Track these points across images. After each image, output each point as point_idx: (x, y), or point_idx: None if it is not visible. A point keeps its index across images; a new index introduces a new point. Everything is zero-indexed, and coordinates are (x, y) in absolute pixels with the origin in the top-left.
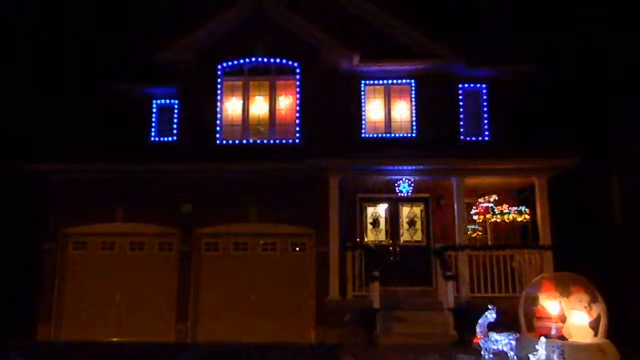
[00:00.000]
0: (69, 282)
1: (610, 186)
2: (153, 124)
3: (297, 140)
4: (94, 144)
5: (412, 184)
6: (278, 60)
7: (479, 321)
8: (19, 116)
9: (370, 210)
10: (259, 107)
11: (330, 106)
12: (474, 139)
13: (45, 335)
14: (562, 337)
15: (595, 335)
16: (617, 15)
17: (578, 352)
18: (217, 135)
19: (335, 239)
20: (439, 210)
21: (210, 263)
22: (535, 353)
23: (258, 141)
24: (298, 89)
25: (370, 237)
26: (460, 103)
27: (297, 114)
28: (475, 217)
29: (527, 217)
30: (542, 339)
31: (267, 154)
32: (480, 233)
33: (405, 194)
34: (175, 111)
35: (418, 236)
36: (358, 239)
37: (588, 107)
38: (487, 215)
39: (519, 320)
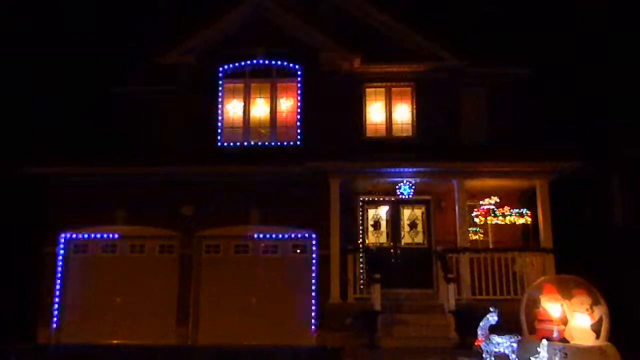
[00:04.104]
0: (69, 285)
1: (611, 188)
2: (153, 126)
3: (298, 143)
4: (94, 147)
5: (413, 186)
6: (279, 62)
7: (481, 324)
8: (20, 119)
9: (371, 212)
10: (260, 109)
11: (332, 108)
12: (475, 141)
13: (46, 338)
14: (563, 340)
15: (597, 337)
16: (616, 16)
17: (580, 354)
18: (218, 137)
19: (336, 242)
20: (440, 212)
21: (211, 265)
22: (537, 356)
23: (259, 143)
24: (299, 91)
25: (371, 239)
26: (461, 105)
27: (298, 116)
28: (476, 220)
29: (529, 219)
30: (544, 341)
31: (268, 156)
32: (481, 235)
33: (407, 196)
34: (177, 113)
35: (419, 238)
36: (359, 242)
37: (589, 109)
38: (489, 218)
39: (520, 322)
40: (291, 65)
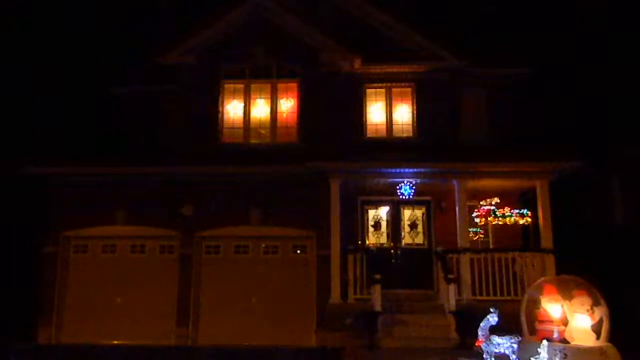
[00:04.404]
0: (70, 285)
1: (611, 188)
2: (154, 127)
3: (298, 143)
4: (94, 147)
5: (414, 187)
6: (279, 62)
7: (481, 324)
8: (20, 119)
9: (371, 212)
10: (260, 109)
11: (332, 109)
12: (475, 141)
13: (46, 338)
14: (564, 341)
15: (598, 338)
16: (616, 16)
17: (580, 355)
18: (219, 138)
19: (336, 242)
20: (441, 213)
21: (211, 266)
22: (537, 356)
23: (259, 143)
24: (299, 92)
25: (372, 239)
26: (462, 105)
27: (299, 117)
28: (476, 220)
29: (529, 219)
30: (544, 342)
31: (269, 157)
32: (481, 236)
33: (407, 197)
34: (177, 113)
35: (419, 239)
36: (359, 242)
37: (589, 109)
38: (489, 218)
39: (520, 323)
40: (291, 66)
